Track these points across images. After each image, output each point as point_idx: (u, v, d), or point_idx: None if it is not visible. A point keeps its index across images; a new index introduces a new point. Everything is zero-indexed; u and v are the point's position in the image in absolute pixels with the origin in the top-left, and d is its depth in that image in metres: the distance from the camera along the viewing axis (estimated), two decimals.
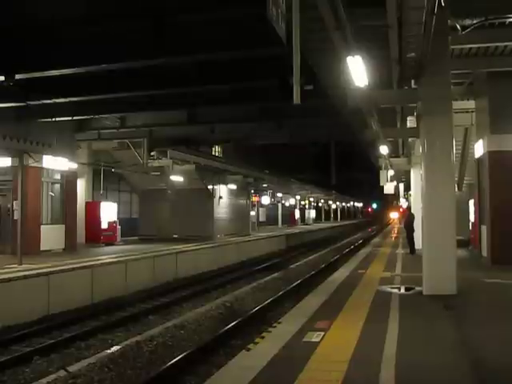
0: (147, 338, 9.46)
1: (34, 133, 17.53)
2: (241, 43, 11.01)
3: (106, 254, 17.61)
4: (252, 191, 36.77)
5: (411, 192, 27.00)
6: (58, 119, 17.31)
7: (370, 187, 72.33)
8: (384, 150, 19.27)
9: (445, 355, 5.90)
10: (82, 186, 22.66)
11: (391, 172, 27.47)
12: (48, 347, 9.62)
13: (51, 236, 18.77)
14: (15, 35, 11.30)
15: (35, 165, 17.44)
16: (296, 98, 6.23)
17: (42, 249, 17.89)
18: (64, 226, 19.61)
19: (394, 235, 35.72)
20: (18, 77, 11.99)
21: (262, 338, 6.92)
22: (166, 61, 12.07)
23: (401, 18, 7.48)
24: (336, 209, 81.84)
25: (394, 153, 24.35)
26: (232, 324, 10.52)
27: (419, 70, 9.83)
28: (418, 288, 10.29)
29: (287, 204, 51.63)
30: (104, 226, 22.86)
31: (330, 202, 75.06)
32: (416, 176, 22.62)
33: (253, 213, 38.35)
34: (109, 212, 23.39)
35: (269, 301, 13.20)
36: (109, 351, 8.71)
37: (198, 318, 11.33)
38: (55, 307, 12.46)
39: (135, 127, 20.60)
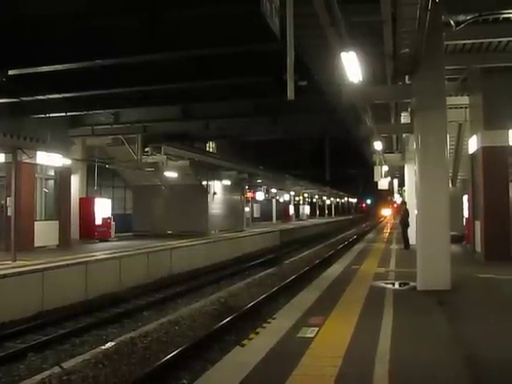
0: (142, 334, 9.45)
1: (28, 129, 17.43)
2: (236, 39, 10.96)
3: (100, 250, 17.57)
4: (246, 187, 36.76)
5: (405, 188, 27.06)
6: (51, 115, 17.22)
7: (364, 183, 72.45)
8: (378, 145, 19.31)
9: (439, 350, 5.92)
10: (76, 182, 22.55)
11: (385, 168, 27.51)
12: (42, 344, 9.60)
13: (45, 232, 18.68)
14: (8, 31, 11.22)
15: (29, 161, 17.34)
16: (290, 94, 6.22)
17: (36, 245, 17.80)
18: (58, 222, 19.52)
19: (388, 231, 35.81)
20: (11, 72, 11.90)
21: (257, 333, 6.92)
22: (159, 56, 12.01)
23: (395, 14, 7.48)
24: (330, 204, 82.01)
25: (388, 148, 24.37)
26: (226, 320, 10.52)
27: (413, 66, 9.83)
28: (412, 283, 10.32)
29: (281, 200, 51.69)
30: (98, 222, 22.79)
31: (325, 198, 75.17)
32: (410, 172, 22.65)
33: (247, 209, 38.34)
34: (103, 208, 23.31)
35: (263, 296, 13.22)
36: (103, 347, 8.68)
37: (193, 314, 11.33)
38: (49, 303, 12.42)
39: (129, 123, 20.49)
